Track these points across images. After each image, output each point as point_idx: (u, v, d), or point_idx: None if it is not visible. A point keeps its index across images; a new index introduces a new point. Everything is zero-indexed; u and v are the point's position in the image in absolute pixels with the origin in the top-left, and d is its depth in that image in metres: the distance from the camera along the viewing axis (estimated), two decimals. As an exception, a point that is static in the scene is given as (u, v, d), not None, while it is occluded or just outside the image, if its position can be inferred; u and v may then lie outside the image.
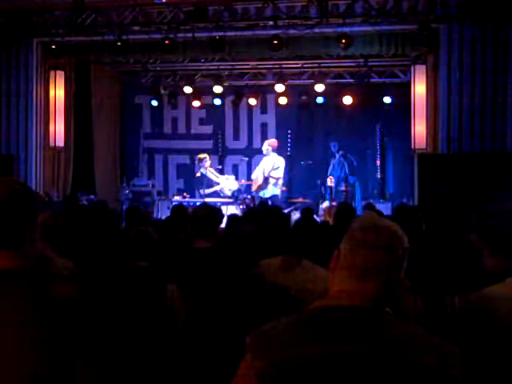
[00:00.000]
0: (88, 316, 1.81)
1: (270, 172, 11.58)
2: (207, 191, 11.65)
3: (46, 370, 1.69)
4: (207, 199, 10.88)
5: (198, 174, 11.88)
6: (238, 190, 11.94)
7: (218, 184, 11.78)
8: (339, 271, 1.70)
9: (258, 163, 12.43)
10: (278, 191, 11.66)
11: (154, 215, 11.33)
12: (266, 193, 11.52)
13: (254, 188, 11.86)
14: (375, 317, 1.63)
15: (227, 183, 11.82)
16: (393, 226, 1.76)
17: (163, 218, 10.35)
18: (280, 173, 11.68)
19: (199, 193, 11.83)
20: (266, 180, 11.63)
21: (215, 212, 4.08)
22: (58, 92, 11.80)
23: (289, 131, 13.53)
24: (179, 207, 5.85)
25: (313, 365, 1.56)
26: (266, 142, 12.12)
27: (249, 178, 13.47)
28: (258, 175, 11.85)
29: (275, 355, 1.58)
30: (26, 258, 1.77)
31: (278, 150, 12.15)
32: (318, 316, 1.64)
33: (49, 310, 1.71)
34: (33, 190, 1.87)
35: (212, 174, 11.83)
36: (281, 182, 11.74)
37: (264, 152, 11.96)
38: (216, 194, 11.64)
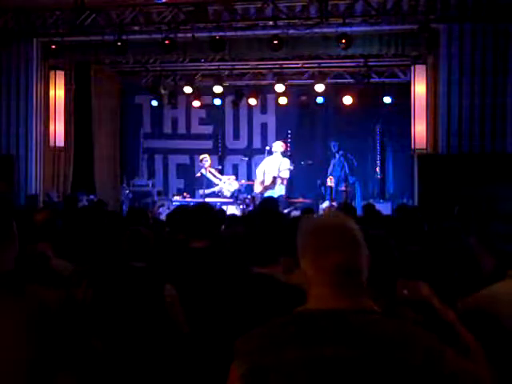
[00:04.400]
0: (76, 316, 1.81)
1: (279, 172, 11.62)
2: (206, 191, 11.66)
3: (26, 370, 1.69)
4: (207, 199, 10.88)
5: (198, 175, 11.89)
6: (238, 190, 11.94)
7: (217, 185, 11.77)
8: (313, 274, 1.68)
9: (259, 163, 12.42)
10: (283, 191, 11.73)
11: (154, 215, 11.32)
12: (274, 193, 11.53)
13: (259, 189, 11.76)
14: (359, 318, 1.61)
15: (227, 184, 11.81)
16: (351, 223, 1.73)
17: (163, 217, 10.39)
18: (288, 173, 11.73)
19: (199, 193, 11.84)
20: (274, 180, 11.66)
21: (213, 212, 4.06)
22: (58, 92, 11.79)
23: (289, 131, 13.53)
24: (180, 208, 5.81)
25: (295, 368, 1.55)
26: (279, 143, 12.11)
27: (249, 178, 13.46)
28: (264, 176, 11.79)
29: (257, 359, 1.58)
30: (7, 264, 1.79)
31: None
32: (302, 320, 1.63)
33: (27, 314, 1.72)
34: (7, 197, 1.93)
35: (211, 174, 11.82)
36: (285, 182, 11.81)
37: (274, 150, 11.94)
38: (215, 195, 11.64)
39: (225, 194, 11.72)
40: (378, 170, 12.89)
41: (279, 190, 11.66)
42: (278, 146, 11.99)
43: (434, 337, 1.64)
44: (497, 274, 2.26)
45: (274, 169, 11.71)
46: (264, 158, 12.14)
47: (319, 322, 1.61)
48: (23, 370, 1.72)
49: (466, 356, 1.74)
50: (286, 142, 12.44)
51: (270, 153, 12.05)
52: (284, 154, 12.06)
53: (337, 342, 1.57)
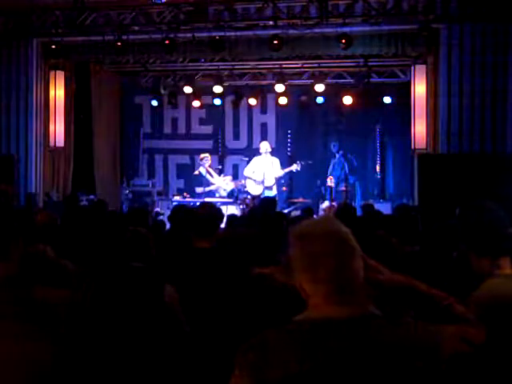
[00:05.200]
0: (79, 318, 1.82)
1: (278, 172, 11.68)
2: (207, 189, 11.65)
3: (36, 372, 1.69)
4: (207, 199, 10.87)
5: (196, 173, 11.88)
6: (238, 190, 11.93)
7: (214, 184, 11.77)
8: (308, 284, 1.64)
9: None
10: (276, 190, 11.87)
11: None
12: (271, 193, 11.59)
13: (258, 190, 11.76)
14: (361, 325, 1.59)
15: (222, 184, 11.81)
16: (340, 227, 1.69)
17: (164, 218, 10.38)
18: (282, 173, 11.81)
19: (195, 191, 11.84)
20: (274, 180, 11.77)
21: (216, 211, 4.06)
22: (58, 92, 11.78)
23: (289, 131, 13.54)
24: (180, 208, 5.82)
25: (301, 381, 1.53)
26: (266, 143, 12.14)
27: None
28: (264, 176, 11.79)
29: (261, 372, 1.55)
30: (12, 267, 1.79)
31: (278, 151, 12.23)
32: (304, 330, 1.60)
33: (34, 315, 1.72)
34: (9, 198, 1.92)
35: (208, 174, 11.82)
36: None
37: (263, 151, 11.95)
38: (212, 194, 11.64)
39: (221, 193, 11.73)
40: (378, 169, 12.89)
41: (275, 190, 11.80)
42: (267, 146, 12.01)
43: (432, 331, 1.64)
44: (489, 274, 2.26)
45: (270, 169, 11.75)
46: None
47: (321, 332, 1.58)
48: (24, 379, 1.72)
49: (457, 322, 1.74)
50: (269, 142, 12.49)
51: (258, 153, 12.09)
52: (278, 153, 12.11)
53: (340, 351, 1.55)
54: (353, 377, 1.53)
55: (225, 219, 5.27)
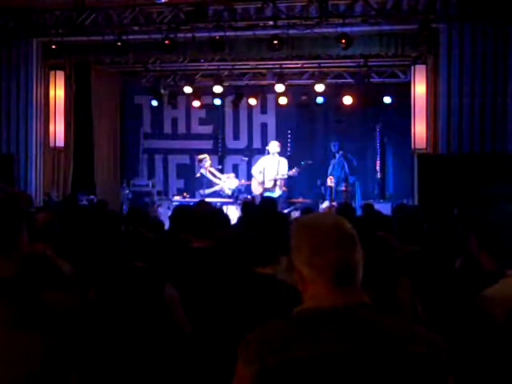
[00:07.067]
0: (82, 320, 1.81)
1: (281, 174, 11.61)
2: (207, 191, 11.65)
3: (36, 376, 1.69)
4: (207, 199, 10.86)
5: (198, 175, 11.87)
6: (238, 190, 11.92)
7: (218, 184, 11.76)
8: (309, 272, 1.67)
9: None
10: (281, 192, 11.75)
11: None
12: (273, 195, 11.52)
13: (258, 190, 11.72)
14: (361, 313, 1.63)
15: (227, 182, 11.79)
16: (344, 221, 1.74)
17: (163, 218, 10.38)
18: (286, 176, 11.72)
19: (199, 193, 11.83)
20: (274, 182, 11.66)
21: (214, 211, 4.06)
22: (58, 92, 11.79)
23: (289, 131, 13.53)
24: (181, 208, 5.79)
25: (304, 367, 1.56)
26: (275, 143, 12.08)
27: (249, 178, 13.46)
28: (264, 177, 11.74)
29: (266, 359, 1.57)
30: (14, 267, 1.78)
31: (278, 151, 12.23)
32: (305, 319, 1.63)
33: (38, 317, 1.71)
34: (17, 194, 1.85)
35: (211, 174, 11.81)
36: (283, 183, 11.83)
37: (271, 151, 11.90)
38: (216, 194, 11.63)
39: (226, 192, 11.71)
40: (377, 169, 12.89)
41: (278, 192, 11.69)
42: (275, 147, 11.97)
43: (425, 329, 1.67)
44: (497, 274, 2.26)
45: (273, 170, 11.70)
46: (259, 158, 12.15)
47: (318, 319, 1.61)
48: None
49: None
50: (280, 142, 12.41)
51: (258, 153, 12.06)
52: (281, 154, 12.06)
53: (342, 338, 1.57)
54: (348, 363, 1.56)
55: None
